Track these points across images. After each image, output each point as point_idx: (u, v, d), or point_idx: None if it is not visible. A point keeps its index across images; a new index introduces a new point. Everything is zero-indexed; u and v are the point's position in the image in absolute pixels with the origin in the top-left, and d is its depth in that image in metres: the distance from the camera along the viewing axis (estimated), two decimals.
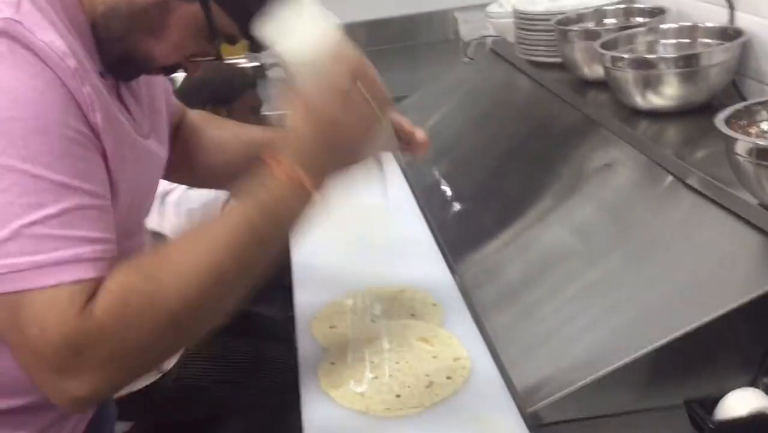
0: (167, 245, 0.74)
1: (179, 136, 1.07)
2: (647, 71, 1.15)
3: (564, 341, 0.93)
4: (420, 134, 0.96)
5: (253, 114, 1.91)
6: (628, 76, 1.17)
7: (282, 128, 0.78)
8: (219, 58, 0.82)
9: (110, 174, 0.75)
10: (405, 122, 0.96)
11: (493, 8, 1.81)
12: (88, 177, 0.70)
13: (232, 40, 0.81)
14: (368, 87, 0.77)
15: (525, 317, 1.02)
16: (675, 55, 1.16)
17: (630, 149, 1.18)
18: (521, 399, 0.86)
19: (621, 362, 0.81)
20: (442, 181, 1.41)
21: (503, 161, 1.44)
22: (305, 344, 1.03)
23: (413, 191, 1.48)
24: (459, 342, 0.98)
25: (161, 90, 0.97)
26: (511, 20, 1.69)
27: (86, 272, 0.67)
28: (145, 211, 0.94)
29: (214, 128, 1.12)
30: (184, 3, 0.77)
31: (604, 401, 0.82)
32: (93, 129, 0.72)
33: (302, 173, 0.74)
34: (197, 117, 1.13)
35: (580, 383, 0.81)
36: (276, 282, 0.94)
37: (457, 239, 1.31)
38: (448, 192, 1.37)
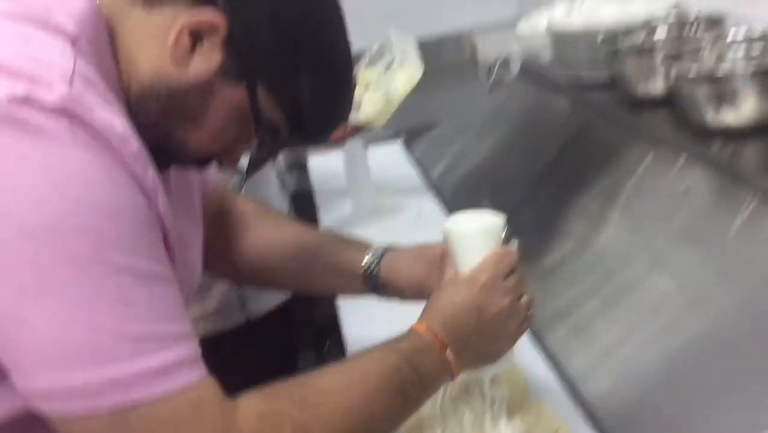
0: (313, 376, 0.70)
1: (224, 224, 0.98)
2: (722, 86, 1.04)
3: (677, 403, 0.81)
4: None
5: None
6: (699, 93, 1.07)
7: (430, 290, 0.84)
8: (260, 151, 0.74)
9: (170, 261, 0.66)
10: None
11: (522, 28, 1.71)
12: (163, 260, 0.63)
13: (275, 132, 0.72)
14: (522, 287, 0.83)
15: (616, 368, 0.91)
16: (753, 68, 1.05)
17: (706, 171, 1.08)
18: None
19: None
20: None
21: (556, 193, 1.34)
22: None
23: None
24: (551, 410, 0.86)
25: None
26: (543, 39, 1.60)
27: (194, 373, 0.62)
28: (191, 298, 0.85)
29: (270, 226, 1.02)
30: (229, 86, 0.69)
31: None
32: (158, 214, 0.64)
33: (452, 356, 0.76)
34: (250, 208, 1.03)
35: None
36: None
37: None
38: None
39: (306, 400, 0.66)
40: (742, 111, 1.05)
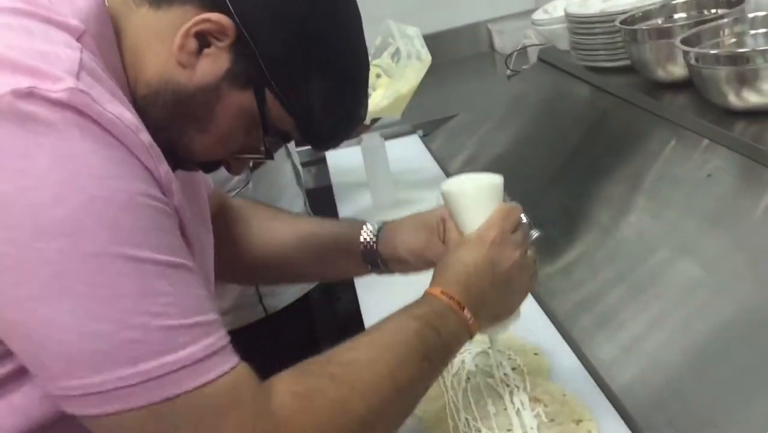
0: (341, 351, 0.69)
1: (220, 226, 0.95)
2: (742, 67, 1.02)
3: (705, 392, 0.80)
4: None
5: None
6: (720, 74, 1.04)
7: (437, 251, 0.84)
8: (269, 156, 0.71)
9: None
10: None
11: (538, 15, 1.69)
12: (182, 250, 0.61)
13: (285, 137, 0.71)
14: (527, 241, 0.84)
15: (643, 357, 0.89)
16: None
17: (729, 153, 1.06)
18: None
19: None
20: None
21: (579, 181, 1.32)
22: None
23: None
24: (576, 399, 0.85)
25: (200, 176, 0.87)
26: (561, 26, 1.58)
27: (229, 361, 0.61)
28: None
29: (262, 219, 1.00)
30: (236, 90, 0.66)
31: None
32: (174, 207, 0.62)
33: (470, 315, 0.76)
34: (241, 205, 1.02)
35: None
36: None
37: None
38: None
39: (337, 375, 0.66)
40: (765, 91, 1.03)
